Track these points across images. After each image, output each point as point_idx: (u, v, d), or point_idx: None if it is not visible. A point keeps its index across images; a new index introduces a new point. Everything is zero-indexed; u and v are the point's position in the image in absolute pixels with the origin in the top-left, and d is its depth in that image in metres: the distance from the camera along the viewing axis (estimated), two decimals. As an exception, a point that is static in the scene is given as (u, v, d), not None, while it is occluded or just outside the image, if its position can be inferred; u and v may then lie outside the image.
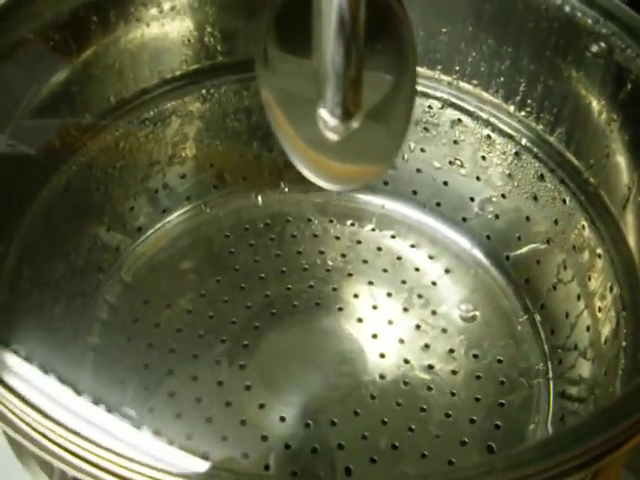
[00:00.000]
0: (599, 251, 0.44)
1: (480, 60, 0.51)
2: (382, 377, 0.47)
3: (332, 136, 0.34)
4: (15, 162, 0.43)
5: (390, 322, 0.50)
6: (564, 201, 0.48)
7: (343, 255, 0.54)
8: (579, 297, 0.46)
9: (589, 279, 0.45)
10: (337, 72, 0.31)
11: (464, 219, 0.55)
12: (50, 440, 0.26)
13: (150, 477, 0.25)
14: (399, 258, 0.54)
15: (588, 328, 0.45)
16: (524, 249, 0.52)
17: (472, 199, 0.55)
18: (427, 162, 0.56)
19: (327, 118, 0.33)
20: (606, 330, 0.42)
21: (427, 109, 0.54)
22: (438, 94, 0.54)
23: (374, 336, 0.49)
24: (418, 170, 0.56)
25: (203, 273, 0.52)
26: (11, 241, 0.42)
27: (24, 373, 0.29)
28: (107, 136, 0.50)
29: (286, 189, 0.57)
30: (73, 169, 0.48)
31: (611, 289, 0.42)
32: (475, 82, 0.52)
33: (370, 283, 0.52)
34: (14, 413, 0.27)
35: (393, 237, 0.55)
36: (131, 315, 0.50)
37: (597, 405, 0.41)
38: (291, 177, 0.56)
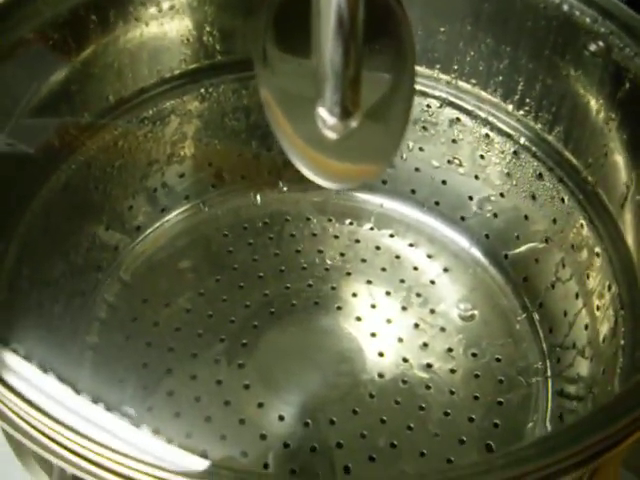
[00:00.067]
0: (597, 250, 0.44)
1: (479, 59, 0.51)
2: (381, 376, 0.47)
3: (331, 135, 0.34)
4: (14, 161, 0.43)
5: (389, 321, 0.50)
6: (562, 200, 0.48)
7: (342, 254, 0.54)
8: (577, 296, 0.46)
9: (587, 278, 0.46)
10: (336, 71, 0.31)
11: (463, 218, 0.55)
12: (49, 438, 0.26)
13: (149, 475, 0.25)
14: (398, 257, 0.54)
15: (586, 327, 0.45)
16: (523, 248, 0.52)
17: (471, 198, 0.55)
18: (426, 161, 0.56)
19: (326, 117, 0.33)
20: (604, 329, 0.42)
21: (426, 108, 0.54)
22: (437, 93, 0.54)
23: (373, 335, 0.49)
24: (417, 169, 0.56)
25: (202, 272, 0.52)
26: (10, 240, 0.42)
27: (23, 372, 0.29)
28: (106, 135, 0.50)
29: (285, 188, 0.57)
30: (72, 168, 0.48)
31: (609, 288, 0.43)
32: (474, 81, 0.52)
33: (369, 282, 0.52)
34: (14, 411, 0.27)
35: (392, 236, 0.55)
36: (130, 314, 0.50)
37: (595, 403, 0.41)
38: (290, 176, 0.56)
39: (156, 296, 0.51)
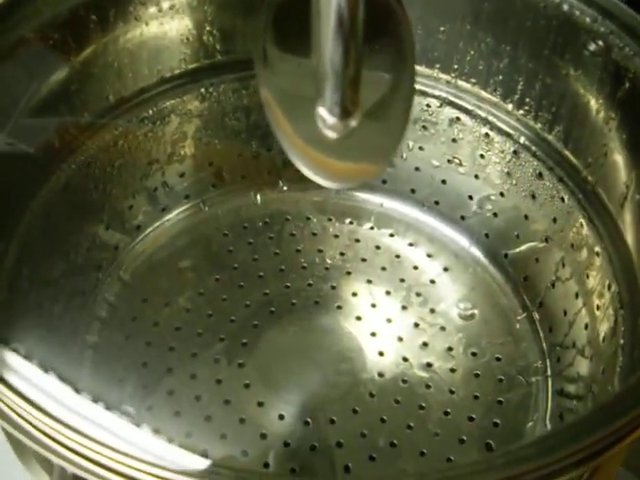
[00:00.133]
0: (597, 249, 0.44)
1: (478, 59, 0.51)
2: (381, 375, 0.47)
3: (331, 134, 0.34)
4: (14, 161, 0.43)
5: (389, 320, 0.50)
6: (562, 199, 0.48)
7: (342, 253, 0.54)
8: (577, 295, 0.46)
9: (587, 277, 0.46)
10: (336, 71, 0.31)
11: (463, 217, 0.55)
12: (50, 437, 0.26)
13: (150, 474, 0.25)
14: (398, 256, 0.54)
15: (586, 326, 0.45)
16: (523, 247, 0.52)
17: (471, 197, 0.55)
18: (426, 160, 0.56)
19: (326, 116, 0.33)
20: (604, 328, 0.42)
21: (426, 107, 0.54)
22: (437, 92, 0.54)
23: (373, 334, 0.49)
24: (417, 168, 0.56)
25: (202, 271, 0.53)
26: (10, 240, 0.42)
27: (24, 371, 0.29)
28: (106, 135, 0.50)
29: (285, 188, 0.57)
30: (72, 168, 0.48)
31: (609, 287, 0.43)
32: (473, 80, 0.52)
33: (369, 281, 0.52)
34: (14, 411, 0.27)
35: (392, 235, 0.55)
36: (130, 313, 0.50)
37: (595, 403, 0.41)
38: (290, 176, 0.56)
39: (156, 295, 0.51)
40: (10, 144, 0.41)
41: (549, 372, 0.48)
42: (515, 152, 0.51)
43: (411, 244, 0.55)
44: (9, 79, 0.43)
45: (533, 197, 0.51)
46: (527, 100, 0.50)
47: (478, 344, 0.49)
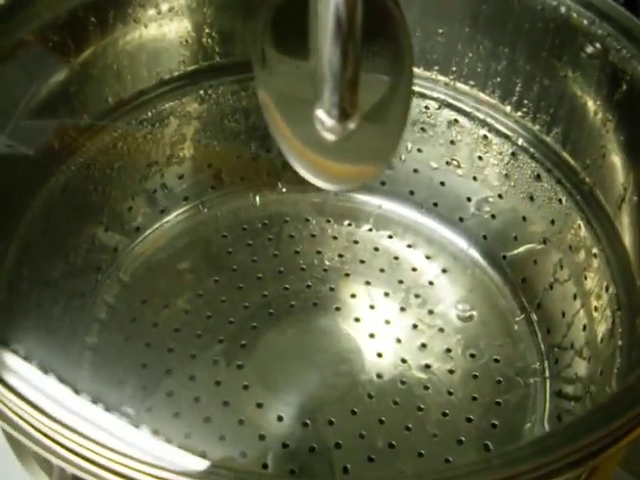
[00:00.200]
0: (595, 251, 0.45)
1: (477, 61, 0.51)
2: (379, 376, 0.47)
3: (329, 137, 0.34)
4: (14, 162, 0.43)
5: (387, 322, 0.50)
6: (560, 201, 0.48)
7: (340, 255, 0.54)
8: (575, 296, 0.47)
9: (585, 278, 0.46)
10: (334, 73, 0.31)
11: (461, 219, 0.55)
12: (49, 438, 0.27)
13: (149, 475, 0.26)
14: (396, 258, 0.54)
15: (584, 327, 0.45)
16: (521, 249, 0.52)
17: (469, 199, 0.55)
18: (424, 162, 0.56)
19: (324, 119, 0.33)
20: (602, 329, 0.42)
21: (424, 110, 0.54)
22: (435, 95, 0.54)
23: (371, 336, 0.49)
24: (415, 170, 0.56)
25: (201, 273, 0.53)
26: (10, 241, 0.42)
27: (23, 372, 0.29)
28: (105, 137, 0.51)
29: (284, 189, 0.58)
30: (71, 169, 0.48)
31: (607, 288, 0.43)
32: (472, 83, 0.52)
33: (367, 283, 0.52)
34: (14, 412, 0.27)
35: (390, 237, 0.56)
36: (129, 315, 0.50)
37: (593, 404, 0.41)
38: (289, 177, 0.56)
39: (155, 297, 0.51)
40: (10, 146, 0.42)
41: (547, 373, 0.48)
42: (513, 154, 0.52)
43: (410, 246, 0.55)
44: (9, 81, 0.43)
45: (531, 199, 0.51)
46: (525, 102, 0.50)
47: (476, 345, 0.49)
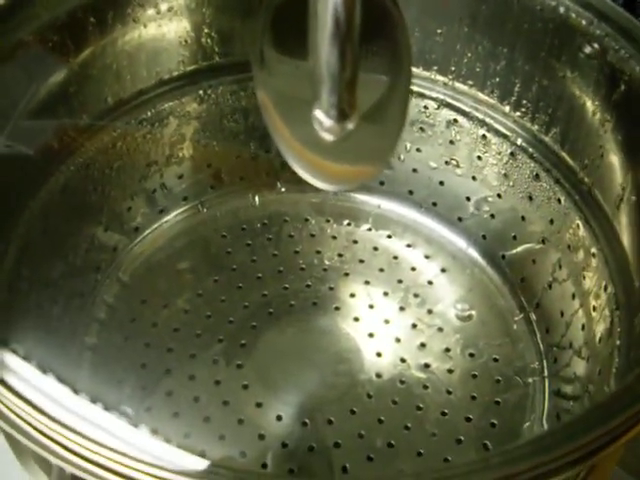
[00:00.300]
0: (593, 250, 0.45)
1: (475, 61, 0.51)
2: (378, 376, 0.47)
3: (328, 137, 0.34)
4: (13, 162, 0.43)
5: (386, 321, 0.50)
6: (559, 201, 0.48)
7: (340, 255, 0.54)
8: (574, 296, 0.47)
9: (584, 278, 0.46)
10: (332, 73, 0.32)
11: (460, 219, 0.55)
12: (48, 438, 0.27)
13: (148, 474, 0.26)
14: (395, 258, 0.54)
15: (583, 327, 0.45)
16: (519, 248, 0.52)
17: (468, 199, 0.55)
18: (423, 162, 0.56)
19: (323, 119, 0.33)
20: (600, 329, 0.43)
21: (423, 109, 0.55)
22: (434, 94, 0.54)
23: (370, 335, 0.49)
24: (414, 170, 0.56)
25: (200, 273, 0.53)
26: (10, 241, 0.42)
27: (23, 372, 0.29)
28: (104, 137, 0.51)
29: (283, 189, 0.58)
30: (71, 169, 0.48)
31: (605, 288, 0.43)
32: (471, 82, 0.52)
33: (366, 283, 0.52)
34: (13, 411, 0.27)
35: (389, 237, 0.56)
36: (129, 315, 0.50)
37: (592, 403, 0.41)
38: (288, 177, 0.56)
39: (155, 297, 0.51)
40: (9, 146, 0.42)
41: (546, 373, 0.48)
42: (512, 154, 0.52)
43: (409, 245, 0.55)
44: (8, 81, 0.43)
45: (530, 198, 0.51)
46: (524, 102, 0.50)
47: (475, 345, 0.49)
